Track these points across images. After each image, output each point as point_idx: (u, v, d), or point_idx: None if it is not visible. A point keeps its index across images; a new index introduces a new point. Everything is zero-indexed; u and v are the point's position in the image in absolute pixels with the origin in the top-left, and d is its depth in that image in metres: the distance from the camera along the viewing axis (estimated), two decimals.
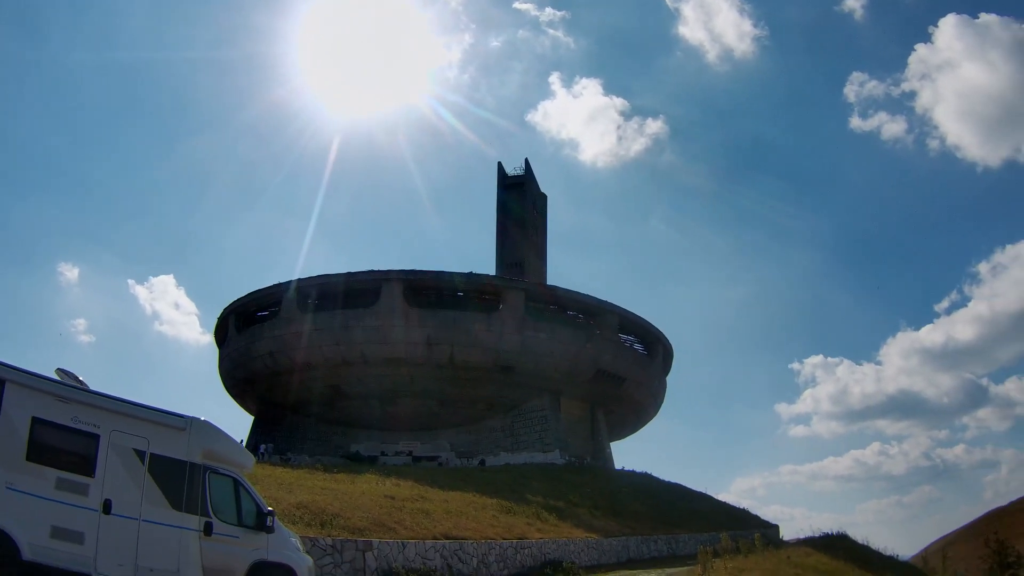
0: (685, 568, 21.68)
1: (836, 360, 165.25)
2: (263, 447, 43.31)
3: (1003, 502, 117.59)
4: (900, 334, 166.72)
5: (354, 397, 47.21)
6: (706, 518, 38.33)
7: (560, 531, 24.72)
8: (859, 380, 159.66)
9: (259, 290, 49.52)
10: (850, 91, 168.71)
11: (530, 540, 21.63)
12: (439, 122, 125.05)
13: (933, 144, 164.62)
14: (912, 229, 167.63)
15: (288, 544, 11.43)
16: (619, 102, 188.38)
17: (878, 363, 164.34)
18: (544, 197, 79.29)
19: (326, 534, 15.39)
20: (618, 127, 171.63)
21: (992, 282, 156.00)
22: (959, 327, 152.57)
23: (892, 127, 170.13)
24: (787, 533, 34.78)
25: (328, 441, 47.94)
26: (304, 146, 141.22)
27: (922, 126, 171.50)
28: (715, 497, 48.67)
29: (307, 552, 12.61)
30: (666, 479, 48.32)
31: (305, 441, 48.16)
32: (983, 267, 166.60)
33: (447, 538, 18.64)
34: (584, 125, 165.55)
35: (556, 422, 46.89)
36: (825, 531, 34.39)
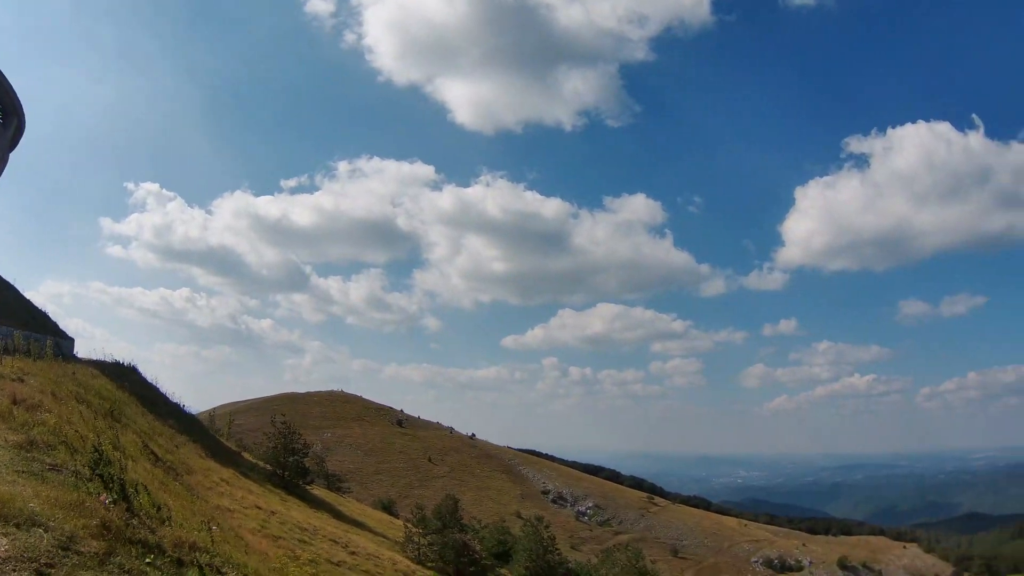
0: None
1: (171, 195, 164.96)
2: None
3: (300, 389, 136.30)
4: (238, 192, 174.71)
5: None
6: (6, 311, 31.60)
7: None
8: (187, 221, 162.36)
9: None
10: None
11: None
12: None
13: (350, 38, 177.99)
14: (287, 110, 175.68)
15: None
16: None
17: (210, 212, 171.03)
18: None
19: None
20: None
21: (347, 183, 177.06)
22: (297, 210, 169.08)
23: (320, 5, 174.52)
24: (81, 351, 31.26)
25: None
26: None
27: (349, 16, 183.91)
28: (21, 291, 40.81)
29: None
30: None
31: None
32: (343, 165, 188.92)
33: None
34: None
35: None
36: (118, 359, 32.25)
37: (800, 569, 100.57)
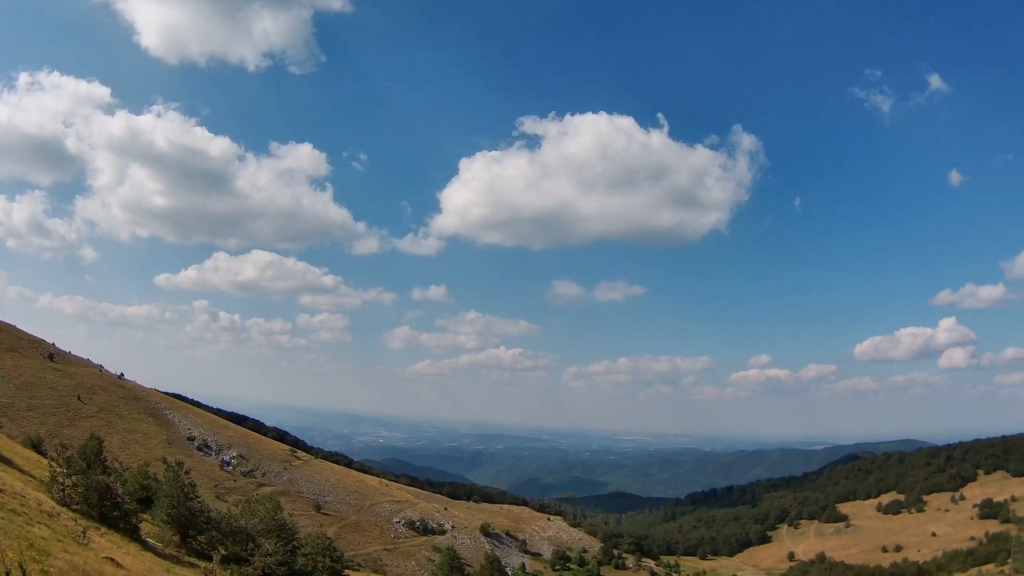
0: None
1: None
2: None
3: None
4: None
5: None
6: None
7: None
8: None
9: None
10: None
11: None
12: None
13: None
14: None
15: None
16: None
17: None
18: None
19: None
20: None
21: (24, 95, 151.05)
22: None
23: None
24: None
25: None
26: None
27: None
28: None
29: None
30: None
31: None
32: (24, 77, 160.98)
33: None
34: None
35: None
36: None
37: (442, 533, 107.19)
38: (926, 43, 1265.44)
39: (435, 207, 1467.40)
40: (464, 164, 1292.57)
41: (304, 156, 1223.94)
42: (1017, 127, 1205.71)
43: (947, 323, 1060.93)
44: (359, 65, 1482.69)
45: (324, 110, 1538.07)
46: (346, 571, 45.03)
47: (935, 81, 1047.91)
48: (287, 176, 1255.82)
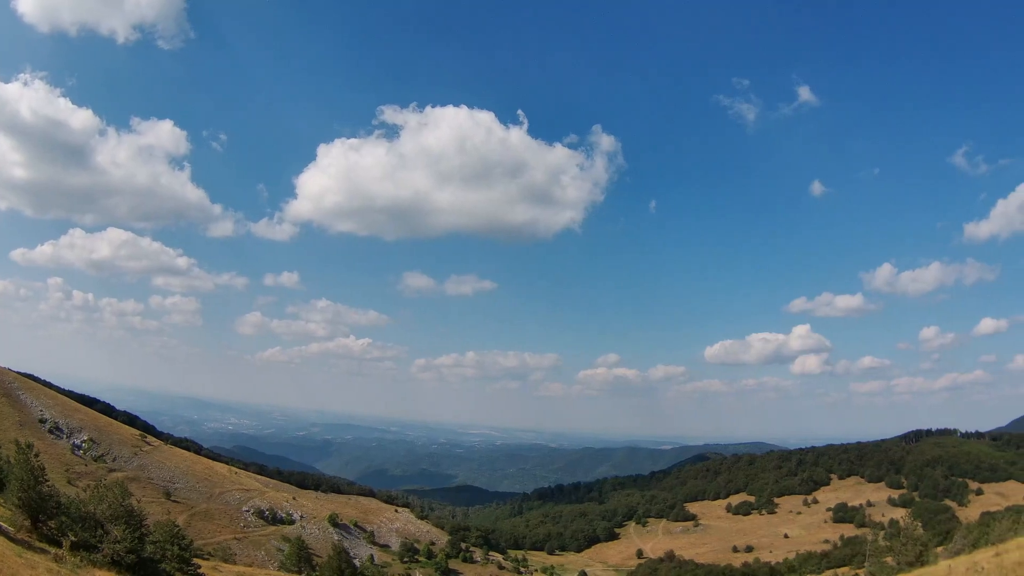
0: None
1: None
2: None
3: None
4: None
5: None
6: None
7: None
8: None
9: None
10: None
11: None
12: None
13: None
14: None
15: None
16: None
17: None
18: None
19: None
20: None
21: None
22: None
23: None
24: None
25: None
26: None
27: None
28: None
29: None
30: None
31: None
32: None
33: None
34: None
35: None
36: None
37: (291, 523, 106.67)
38: (799, 55, 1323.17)
39: (291, 192, 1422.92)
40: (322, 150, 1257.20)
41: (165, 133, 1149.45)
42: (884, 143, 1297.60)
43: (801, 330, 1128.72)
44: (226, 44, 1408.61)
45: (188, 88, 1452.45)
46: (195, 560, 46.25)
47: (804, 93, 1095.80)
48: (147, 153, 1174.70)
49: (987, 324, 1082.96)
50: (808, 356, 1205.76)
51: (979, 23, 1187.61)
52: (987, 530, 57.94)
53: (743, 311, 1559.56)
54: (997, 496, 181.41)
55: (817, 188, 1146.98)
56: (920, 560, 48.39)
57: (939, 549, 62.71)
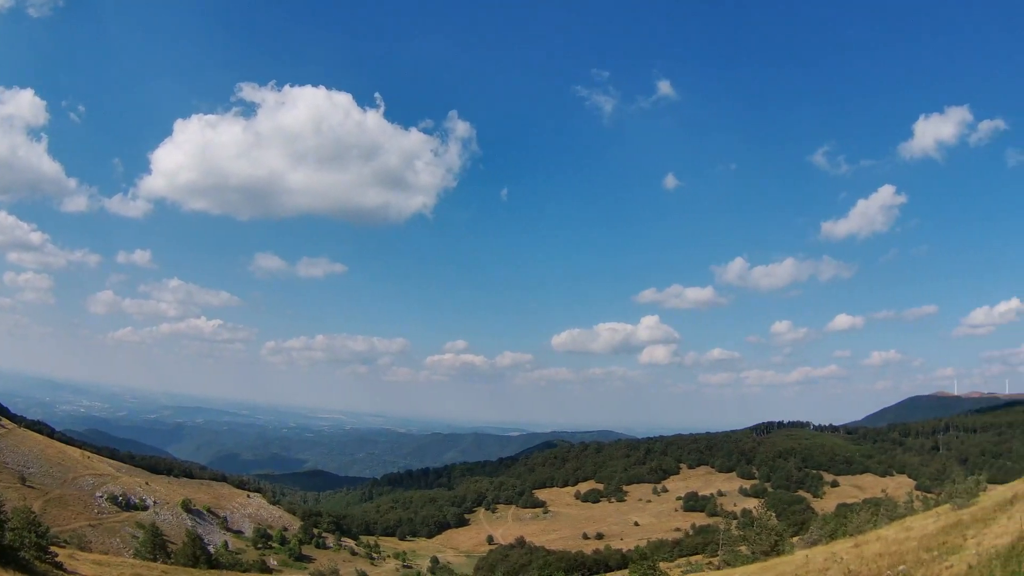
0: None
1: None
2: None
3: None
4: None
5: None
6: None
7: None
8: None
9: None
10: None
11: None
12: None
13: None
14: None
15: None
16: None
17: None
18: None
19: None
20: None
21: None
22: None
23: None
24: None
25: None
26: None
27: None
28: None
29: None
30: None
31: None
32: None
33: None
34: None
35: None
36: None
37: (145, 508, 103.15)
38: (661, 50, 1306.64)
39: (146, 168, 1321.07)
40: (179, 125, 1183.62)
41: (25, 103, 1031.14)
42: (743, 140, 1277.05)
43: (649, 320, 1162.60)
44: (92, 13, 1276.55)
45: (52, 56, 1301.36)
46: (51, 547, 42.29)
47: (665, 87, 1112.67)
48: (6, 123, 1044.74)
49: (842, 320, 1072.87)
50: (656, 347, 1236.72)
51: (844, 24, 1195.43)
52: (844, 521, 60.41)
53: (592, 301, 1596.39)
54: (854, 488, 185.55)
55: (671, 181, 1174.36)
56: (775, 549, 51.54)
57: (795, 539, 64.44)
